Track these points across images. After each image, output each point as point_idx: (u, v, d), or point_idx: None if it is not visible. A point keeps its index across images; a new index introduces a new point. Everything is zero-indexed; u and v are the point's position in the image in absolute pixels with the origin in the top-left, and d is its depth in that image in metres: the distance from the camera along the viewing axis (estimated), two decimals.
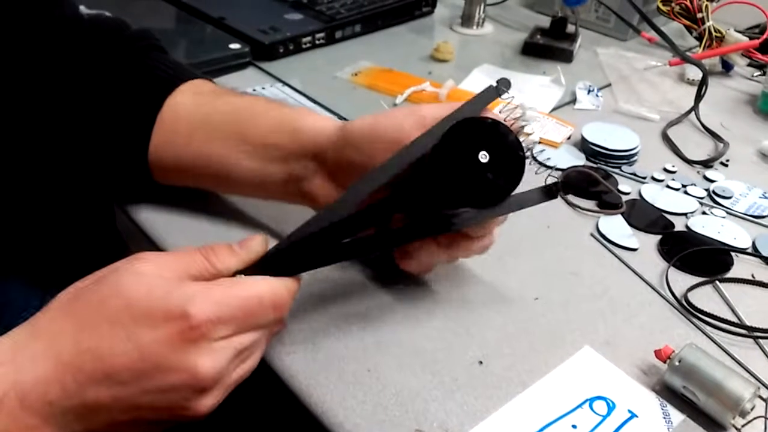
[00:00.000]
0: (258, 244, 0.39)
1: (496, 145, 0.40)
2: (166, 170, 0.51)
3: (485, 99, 0.43)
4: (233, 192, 0.54)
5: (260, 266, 0.39)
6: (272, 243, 0.42)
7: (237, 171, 0.49)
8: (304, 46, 0.83)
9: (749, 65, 0.85)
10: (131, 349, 0.33)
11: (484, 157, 0.40)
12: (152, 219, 0.53)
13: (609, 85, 0.81)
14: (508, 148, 0.41)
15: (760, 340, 0.46)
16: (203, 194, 0.55)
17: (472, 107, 0.42)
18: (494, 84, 0.43)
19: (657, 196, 0.60)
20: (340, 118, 0.69)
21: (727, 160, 0.67)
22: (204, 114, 0.49)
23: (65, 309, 0.35)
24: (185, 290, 0.34)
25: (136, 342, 0.33)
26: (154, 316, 0.33)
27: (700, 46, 0.83)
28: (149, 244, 0.52)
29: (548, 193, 0.43)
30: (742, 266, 0.53)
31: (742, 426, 0.39)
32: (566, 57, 0.86)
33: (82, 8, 0.77)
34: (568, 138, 0.69)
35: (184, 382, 0.34)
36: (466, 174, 0.40)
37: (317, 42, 0.84)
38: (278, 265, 0.39)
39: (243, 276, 0.37)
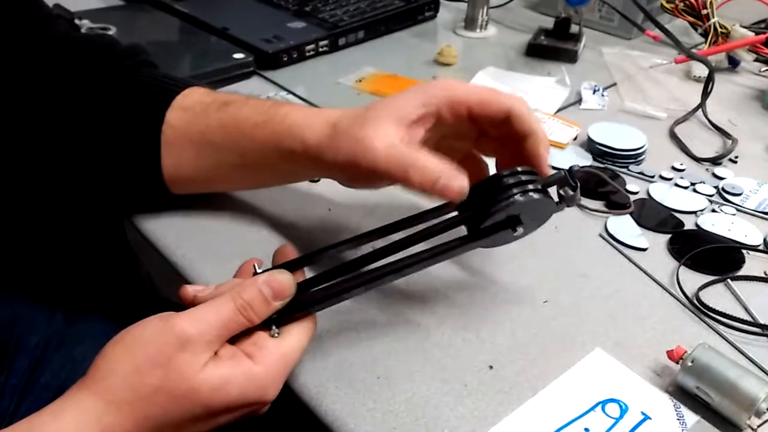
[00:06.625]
0: (290, 291, 0.39)
1: (537, 211, 0.43)
2: (181, 185, 0.52)
3: (554, 183, 0.43)
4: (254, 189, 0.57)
5: (290, 306, 0.39)
6: (279, 243, 0.44)
7: (249, 182, 0.52)
8: (307, 54, 0.83)
9: (756, 60, 0.84)
10: (212, 427, 0.37)
11: (519, 232, 0.42)
12: (162, 231, 0.53)
13: (614, 84, 0.80)
14: (543, 213, 0.43)
15: None
16: (212, 203, 0.55)
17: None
18: (564, 172, 0.43)
19: (665, 195, 0.60)
20: None
21: (736, 157, 0.66)
22: (198, 134, 0.49)
23: (137, 408, 0.35)
24: (254, 380, 0.37)
25: (218, 423, 0.37)
26: (235, 408, 0.37)
27: (705, 42, 0.83)
28: (159, 256, 0.52)
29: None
30: (753, 263, 0.52)
31: (758, 426, 0.39)
32: (570, 57, 0.85)
33: (86, 22, 0.78)
34: (575, 139, 0.68)
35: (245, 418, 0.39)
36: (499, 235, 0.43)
37: (321, 49, 0.84)
38: (307, 304, 0.40)
39: (278, 332, 0.39)
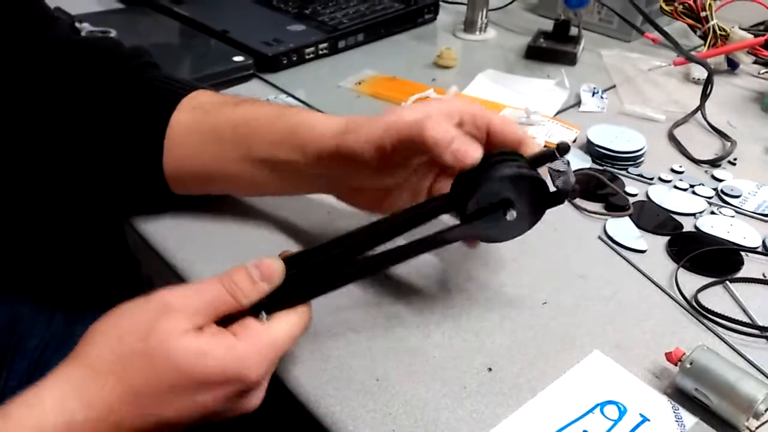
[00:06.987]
0: (279, 275, 0.39)
1: (528, 194, 0.42)
2: (183, 183, 0.52)
3: (542, 158, 0.43)
4: (255, 196, 0.56)
5: (280, 294, 0.39)
6: (282, 247, 0.43)
7: (254, 185, 0.51)
8: (307, 57, 0.83)
9: (755, 63, 0.85)
10: (194, 408, 0.36)
11: (511, 216, 0.42)
12: (162, 234, 0.53)
13: (614, 86, 0.80)
14: (537, 199, 0.43)
15: None
16: (212, 206, 0.55)
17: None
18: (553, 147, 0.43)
19: (665, 197, 0.60)
20: None
21: (735, 159, 0.66)
22: (208, 130, 0.49)
23: (116, 374, 0.35)
24: (235, 354, 0.36)
25: (198, 403, 0.36)
26: (213, 383, 0.36)
27: (704, 44, 0.83)
28: (159, 259, 0.52)
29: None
30: (752, 265, 0.52)
31: (756, 428, 0.39)
32: (570, 60, 0.86)
33: (87, 26, 0.78)
34: (574, 141, 0.68)
35: (236, 411, 0.39)
36: (493, 222, 0.42)
37: (320, 52, 0.84)
38: (297, 292, 0.40)
39: (267, 317, 0.39)
